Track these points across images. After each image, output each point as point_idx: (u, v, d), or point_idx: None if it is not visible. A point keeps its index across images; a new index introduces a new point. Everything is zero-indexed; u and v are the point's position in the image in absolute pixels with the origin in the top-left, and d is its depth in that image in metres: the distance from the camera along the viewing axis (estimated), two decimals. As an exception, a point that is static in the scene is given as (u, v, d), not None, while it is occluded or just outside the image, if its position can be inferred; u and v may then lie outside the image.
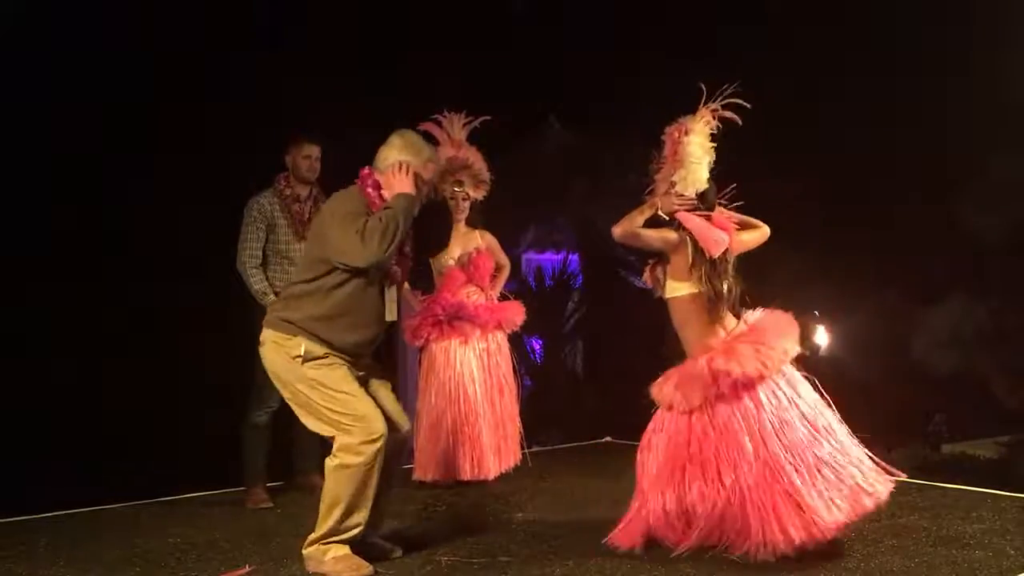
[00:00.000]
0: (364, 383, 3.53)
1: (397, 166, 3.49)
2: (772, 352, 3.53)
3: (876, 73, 5.87)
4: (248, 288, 4.71)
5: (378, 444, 3.35)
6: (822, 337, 6.36)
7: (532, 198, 7.35)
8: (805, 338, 3.99)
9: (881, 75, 5.86)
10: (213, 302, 5.07)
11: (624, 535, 3.60)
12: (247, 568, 3.56)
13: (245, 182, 4.96)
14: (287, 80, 5.61)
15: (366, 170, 3.57)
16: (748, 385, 3.50)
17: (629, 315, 6.98)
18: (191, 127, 5.37)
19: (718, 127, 3.73)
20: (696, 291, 3.65)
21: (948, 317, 5.83)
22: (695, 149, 3.69)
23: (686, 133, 3.69)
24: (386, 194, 3.51)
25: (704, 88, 3.72)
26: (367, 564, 3.42)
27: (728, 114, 3.73)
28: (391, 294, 3.58)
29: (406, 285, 4.73)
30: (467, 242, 5.26)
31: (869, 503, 3.42)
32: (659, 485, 3.55)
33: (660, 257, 3.77)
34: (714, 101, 3.72)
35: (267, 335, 3.50)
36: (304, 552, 3.45)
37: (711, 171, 3.75)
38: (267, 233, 4.78)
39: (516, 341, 5.59)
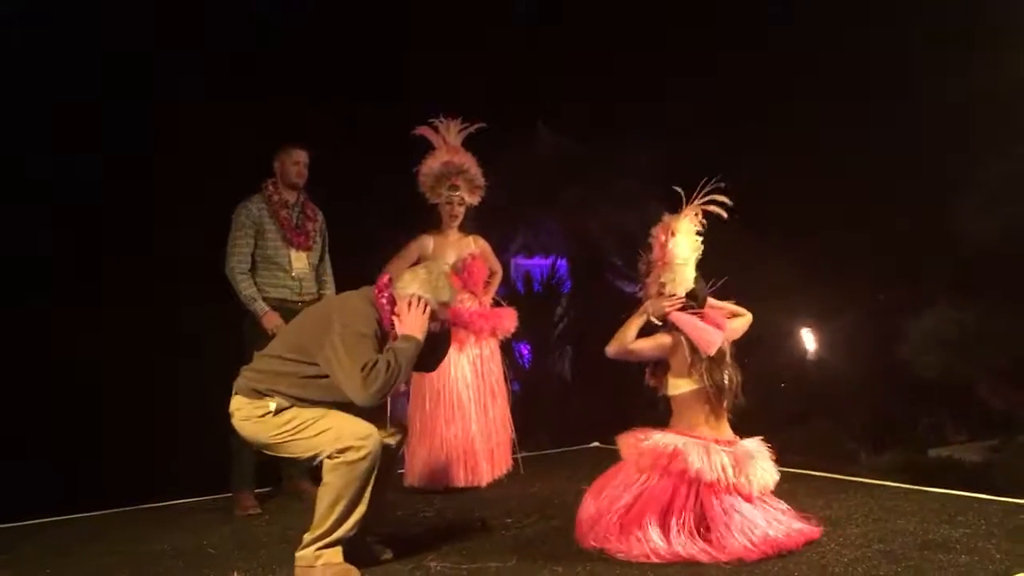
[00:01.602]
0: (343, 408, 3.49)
1: (416, 300, 3.46)
2: (745, 479, 3.56)
3: (872, 75, 5.91)
4: (237, 293, 4.70)
5: (373, 440, 3.35)
6: (810, 341, 6.40)
7: (521, 203, 7.36)
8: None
9: (876, 77, 5.90)
10: (210, 309, 5.05)
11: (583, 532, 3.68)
12: (235, 575, 3.54)
13: (243, 183, 4.96)
14: (282, 82, 5.62)
15: (386, 279, 3.55)
16: (695, 482, 3.53)
17: (617, 320, 6.99)
18: (190, 126, 5.37)
19: (703, 224, 3.80)
20: (699, 387, 3.70)
21: (934, 321, 5.87)
22: (682, 250, 3.75)
23: (672, 234, 3.74)
24: (397, 319, 3.47)
25: (683, 193, 3.77)
26: (356, 570, 3.41)
27: (714, 208, 3.77)
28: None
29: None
30: (461, 248, 5.26)
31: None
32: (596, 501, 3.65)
33: (658, 362, 3.81)
34: (698, 196, 3.77)
35: (236, 403, 3.48)
36: (297, 554, 3.44)
37: (700, 266, 3.82)
38: (255, 239, 4.76)
39: (505, 346, 5.59)
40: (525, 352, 7.73)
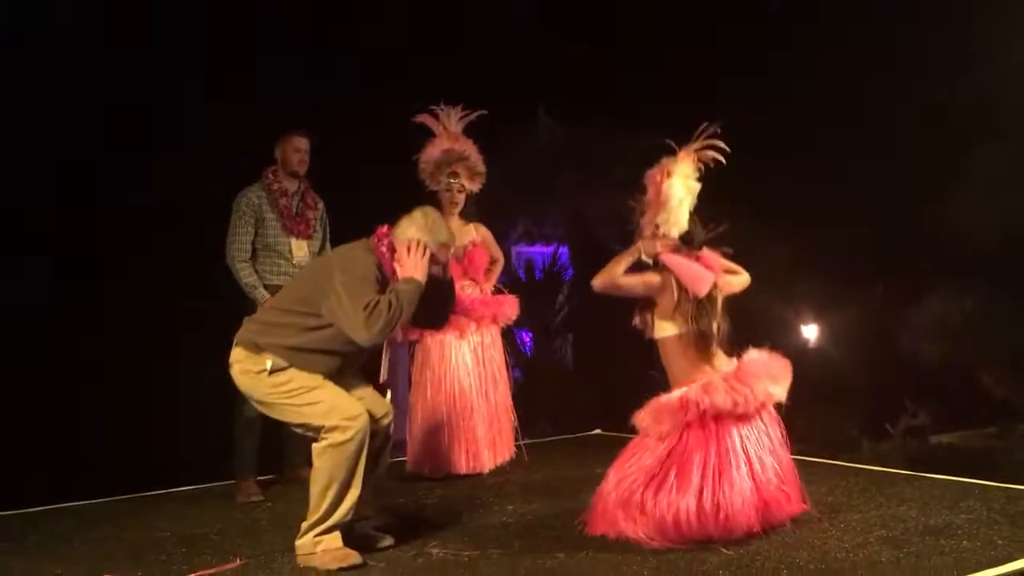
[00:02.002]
0: (336, 380, 3.52)
1: (415, 243, 3.49)
2: (749, 391, 3.55)
3: (871, 69, 5.89)
4: (238, 282, 4.70)
5: (361, 420, 3.37)
6: (811, 329, 6.39)
7: (522, 190, 7.35)
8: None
9: (875, 71, 5.88)
10: (212, 295, 5.06)
11: (595, 519, 3.65)
12: (237, 561, 3.55)
13: (240, 179, 4.95)
14: (284, 76, 5.61)
15: (384, 229, 3.57)
16: (718, 418, 3.51)
17: (619, 308, 6.99)
18: (190, 125, 5.36)
19: (701, 168, 3.77)
20: (683, 331, 3.67)
21: (936, 308, 5.86)
22: (677, 191, 3.71)
23: (668, 175, 3.71)
24: (397, 264, 3.50)
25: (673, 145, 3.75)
26: (357, 555, 3.42)
27: (712, 154, 3.75)
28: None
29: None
30: (462, 235, 5.24)
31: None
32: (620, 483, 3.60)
33: (647, 300, 3.78)
34: (696, 140, 3.76)
35: (235, 355, 3.51)
36: (297, 542, 3.45)
37: (699, 212, 3.78)
38: (256, 227, 4.76)
39: (506, 334, 5.60)
40: (527, 340, 7.73)
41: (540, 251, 8.37)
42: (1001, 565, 3.11)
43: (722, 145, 3.75)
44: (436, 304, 3.64)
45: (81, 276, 5.24)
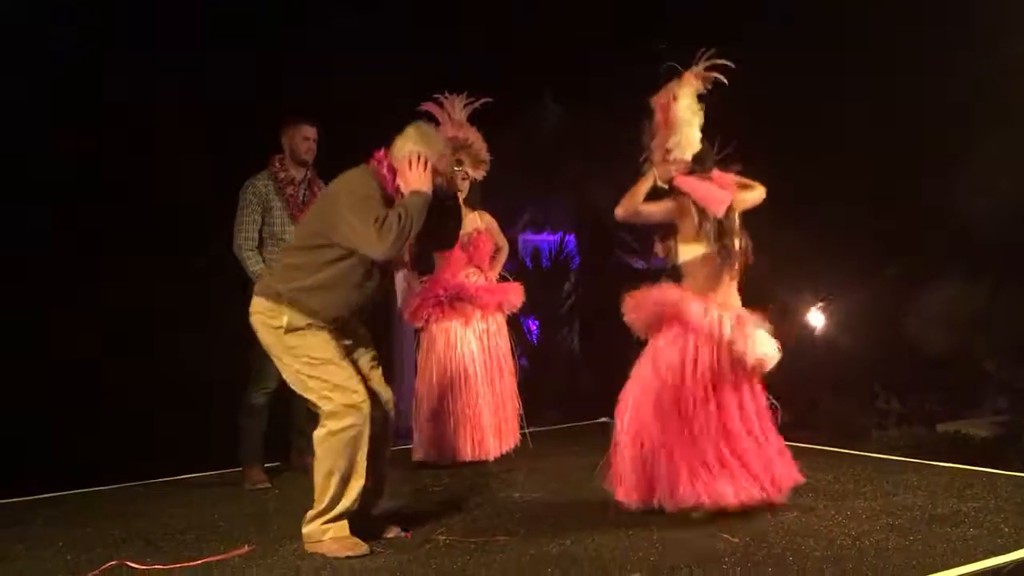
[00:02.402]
0: (350, 352, 3.55)
1: (415, 157, 3.48)
2: (738, 331, 3.60)
3: (875, 50, 5.85)
4: (245, 270, 4.71)
5: (359, 409, 3.38)
6: (817, 318, 6.38)
7: (529, 178, 7.33)
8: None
9: (880, 52, 5.84)
10: (217, 284, 5.07)
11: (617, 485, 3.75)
12: (245, 548, 3.57)
13: (244, 171, 4.94)
14: (287, 61, 5.59)
15: (381, 152, 3.57)
16: (695, 332, 3.61)
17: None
18: (190, 117, 5.36)
19: (706, 88, 3.76)
20: (708, 251, 3.69)
21: (944, 295, 5.84)
22: (685, 112, 3.71)
23: (674, 98, 3.71)
24: (400, 181, 3.50)
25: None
26: (363, 543, 3.44)
27: (714, 75, 3.74)
28: (392, 274, 3.58)
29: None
30: (467, 224, 5.25)
31: (757, 495, 3.59)
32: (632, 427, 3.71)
33: (668, 227, 3.79)
34: (697, 64, 3.76)
35: (254, 304, 3.54)
36: (304, 530, 3.47)
37: (706, 134, 3.78)
38: (262, 215, 4.76)
39: (513, 322, 5.60)
40: (534, 328, 7.73)
41: (547, 239, 8.36)
42: (1007, 553, 3.11)
43: (727, 62, 3.75)
44: (444, 221, 3.63)
45: (83, 274, 5.24)
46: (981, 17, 5.47)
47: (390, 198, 3.49)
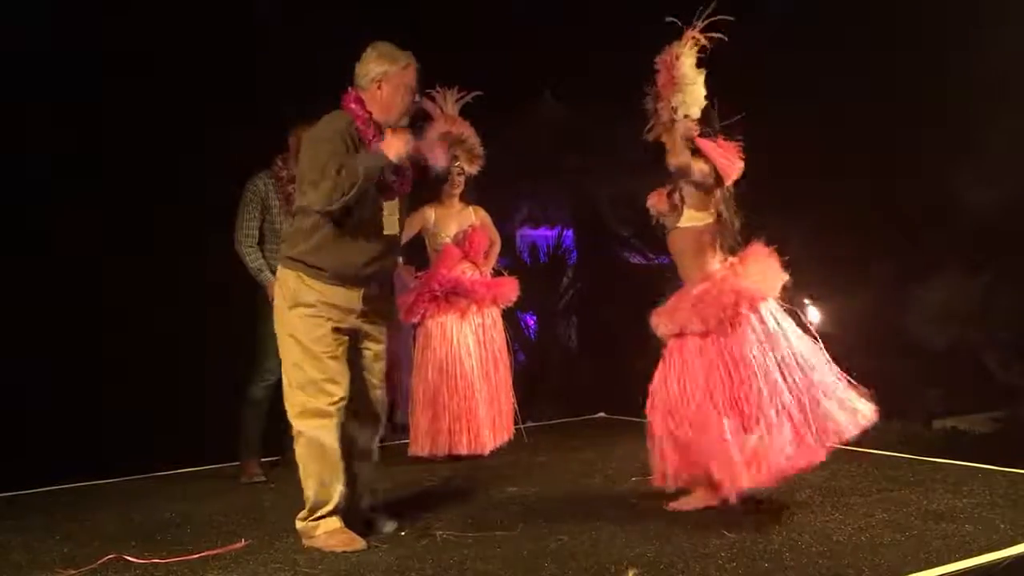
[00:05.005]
0: (359, 341, 3.51)
1: (401, 132, 3.42)
2: (766, 279, 3.60)
3: (874, 46, 5.84)
4: (246, 267, 4.73)
5: (311, 424, 3.37)
6: (813, 314, 6.37)
7: (526, 173, 7.32)
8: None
9: (879, 48, 5.83)
10: (214, 279, 5.06)
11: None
12: (242, 542, 3.58)
13: (241, 167, 4.93)
14: (288, 61, 5.58)
15: (349, 91, 3.50)
16: (754, 308, 3.54)
17: (623, 291, 6.98)
18: (189, 118, 5.35)
19: (706, 49, 3.70)
20: (711, 221, 3.65)
21: (941, 292, 5.84)
22: (688, 70, 3.66)
23: (677, 57, 3.66)
24: (373, 108, 3.43)
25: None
26: (360, 538, 3.44)
27: (714, 34, 3.69)
28: (391, 207, 3.50)
29: (400, 262, 4.74)
30: (462, 219, 5.25)
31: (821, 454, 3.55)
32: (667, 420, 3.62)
33: (678, 186, 3.73)
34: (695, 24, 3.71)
35: (278, 274, 3.54)
36: (298, 525, 3.48)
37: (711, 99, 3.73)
38: (262, 213, 4.78)
39: (510, 317, 5.60)
40: (531, 323, 7.73)
41: (544, 234, 8.35)
42: (1003, 549, 3.11)
43: (727, 17, 3.67)
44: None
45: (80, 270, 5.23)
46: (986, 10, 5.45)
47: (357, 136, 3.41)
